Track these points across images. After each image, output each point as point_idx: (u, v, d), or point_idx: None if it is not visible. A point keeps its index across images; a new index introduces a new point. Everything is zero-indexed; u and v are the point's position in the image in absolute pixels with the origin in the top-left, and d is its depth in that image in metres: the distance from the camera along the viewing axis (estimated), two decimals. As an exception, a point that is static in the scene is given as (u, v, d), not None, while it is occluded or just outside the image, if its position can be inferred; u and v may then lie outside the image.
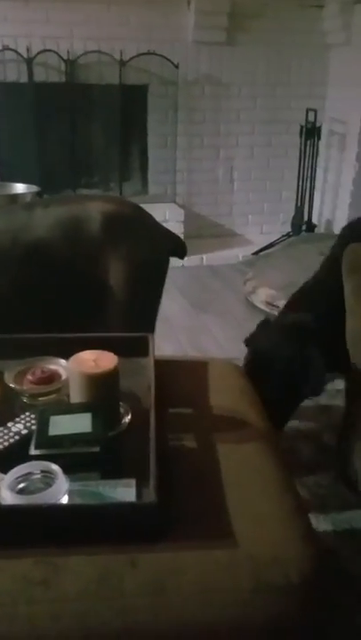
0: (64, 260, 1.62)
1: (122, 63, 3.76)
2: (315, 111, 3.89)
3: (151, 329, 1.67)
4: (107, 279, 1.63)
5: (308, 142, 3.96)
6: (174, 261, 1.76)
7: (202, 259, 3.95)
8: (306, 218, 4.08)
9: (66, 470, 0.90)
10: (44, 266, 1.63)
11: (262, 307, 3.05)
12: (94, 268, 1.63)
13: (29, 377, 1.17)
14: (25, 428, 1.04)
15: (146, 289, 1.70)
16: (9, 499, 0.86)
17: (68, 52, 3.69)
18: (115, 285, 1.64)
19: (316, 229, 4.14)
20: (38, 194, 3.39)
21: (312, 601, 0.81)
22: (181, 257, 1.83)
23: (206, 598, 0.78)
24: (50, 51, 3.66)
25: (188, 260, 3.87)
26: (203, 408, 1.18)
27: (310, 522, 0.92)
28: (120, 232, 1.64)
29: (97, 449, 0.94)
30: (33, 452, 0.95)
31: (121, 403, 1.12)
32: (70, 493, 0.89)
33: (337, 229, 4.14)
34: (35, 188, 3.48)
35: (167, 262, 1.76)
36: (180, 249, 1.81)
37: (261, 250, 4.03)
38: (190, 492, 0.94)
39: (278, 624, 0.79)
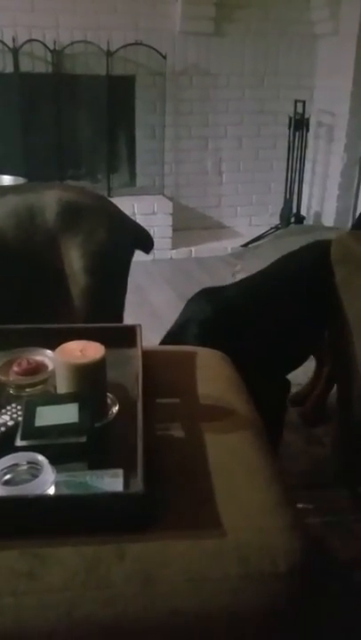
0: (18, 250, 1.59)
1: (109, 53, 3.73)
2: (303, 102, 3.88)
3: (119, 322, 1.66)
4: (64, 269, 1.61)
5: (297, 134, 3.96)
6: (163, 253, 1.75)
7: (190, 251, 3.94)
8: (294, 210, 4.08)
9: (52, 461, 0.89)
10: None
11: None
12: (51, 257, 1.60)
13: (15, 368, 1.15)
14: (11, 419, 1.03)
15: (106, 279, 1.67)
16: (-5, 490, 0.86)
17: (54, 41, 3.66)
18: (73, 275, 1.61)
19: (304, 221, 4.15)
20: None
21: (300, 589, 0.81)
22: (147, 251, 1.79)
23: (195, 587, 0.78)
24: (36, 41, 3.62)
25: (177, 253, 3.87)
26: (190, 398, 1.17)
27: (298, 510, 0.92)
28: (76, 220, 1.61)
29: (84, 439, 0.94)
30: (19, 443, 0.94)
31: (108, 393, 1.11)
32: (57, 484, 0.88)
33: (325, 221, 4.15)
34: (21, 180, 3.45)
35: (130, 253, 1.72)
36: (145, 242, 1.78)
37: (250, 242, 4.03)
38: (178, 482, 0.94)
39: (267, 612, 0.79)
